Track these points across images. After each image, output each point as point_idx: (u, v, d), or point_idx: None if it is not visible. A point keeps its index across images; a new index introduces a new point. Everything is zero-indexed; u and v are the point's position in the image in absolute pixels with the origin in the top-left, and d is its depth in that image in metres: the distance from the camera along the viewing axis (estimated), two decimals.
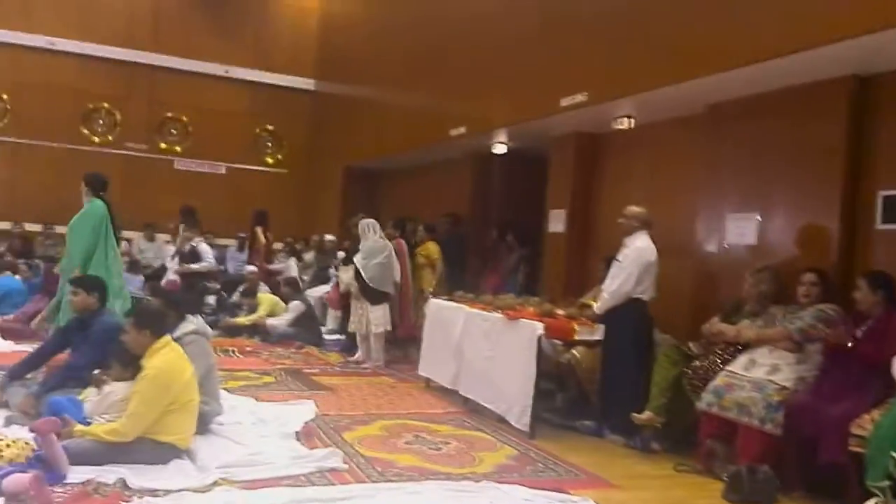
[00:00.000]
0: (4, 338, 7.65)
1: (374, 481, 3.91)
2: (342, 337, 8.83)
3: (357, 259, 7.79)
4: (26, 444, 3.70)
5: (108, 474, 3.63)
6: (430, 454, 4.54)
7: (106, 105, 12.90)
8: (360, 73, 12.01)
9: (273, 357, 7.82)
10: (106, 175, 7.01)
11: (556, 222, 7.62)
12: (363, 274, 7.68)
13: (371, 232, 7.85)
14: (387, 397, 6.21)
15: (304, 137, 14.12)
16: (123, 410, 3.99)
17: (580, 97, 6.29)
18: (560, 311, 5.55)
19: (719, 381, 4.53)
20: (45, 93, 12.29)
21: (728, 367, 4.59)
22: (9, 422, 4.42)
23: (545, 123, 7.17)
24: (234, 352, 8.03)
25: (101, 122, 12.91)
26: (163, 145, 13.35)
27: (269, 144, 14.19)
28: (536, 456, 4.65)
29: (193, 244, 9.24)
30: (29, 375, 5.10)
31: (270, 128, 14.11)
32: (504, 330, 5.48)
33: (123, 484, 3.56)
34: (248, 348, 8.37)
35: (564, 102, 6.48)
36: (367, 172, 12.18)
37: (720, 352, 4.79)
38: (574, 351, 5.56)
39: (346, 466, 4.09)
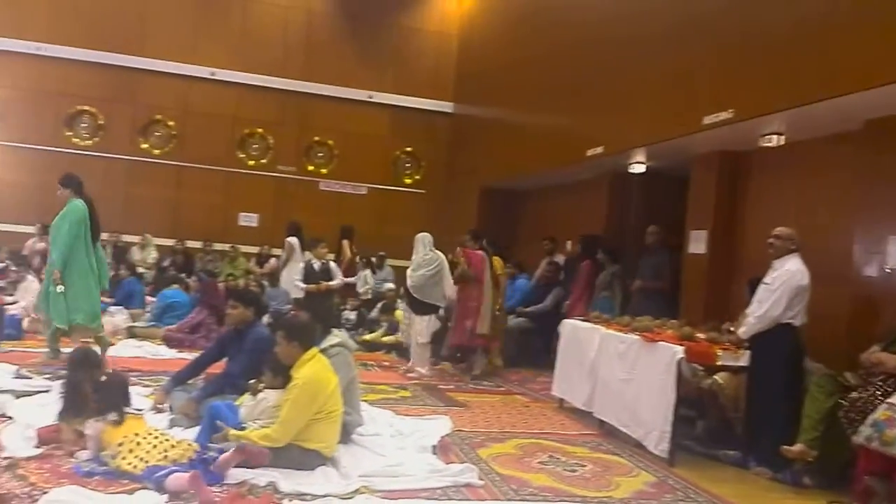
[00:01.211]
0: (168, 346, 8.28)
1: (508, 499, 3.94)
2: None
3: (408, 272, 8.10)
4: (189, 445, 4.00)
5: (261, 477, 3.86)
6: (566, 476, 4.51)
7: (260, 130, 13.77)
8: (497, 94, 12.19)
9: (409, 372, 8.01)
10: (83, 176, 7.24)
11: (697, 243, 7.39)
12: (409, 284, 7.98)
13: (422, 245, 8.13)
14: (520, 416, 6.22)
15: (441, 158, 14.46)
16: (274, 416, 4.24)
17: (725, 114, 6.10)
18: (701, 335, 5.38)
19: (880, 414, 4.22)
20: (207, 120, 13.28)
21: (889, 400, 4.28)
22: (172, 424, 4.77)
23: (686, 142, 7.00)
24: (372, 366, 8.30)
25: (255, 146, 13.78)
26: (310, 167, 14.07)
27: (408, 165, 14.63)
28: (676, 484, 4.51)
29: (324, 262, 9.50)
30: (190, 381, 5.53)
31: (409, 149, 14.56)
32: (641, 352, 5.38)
33: (274, 487, 3.77)
34: (386, 363, 8.62)
35: (708, 120, 6.30)
36: (503, 192, 12.29)
37: (880, 383, 4.47)
38: (716, 377, 5.37)
39: (481, 483, 4.14)
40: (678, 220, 7.75)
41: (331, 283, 9.11)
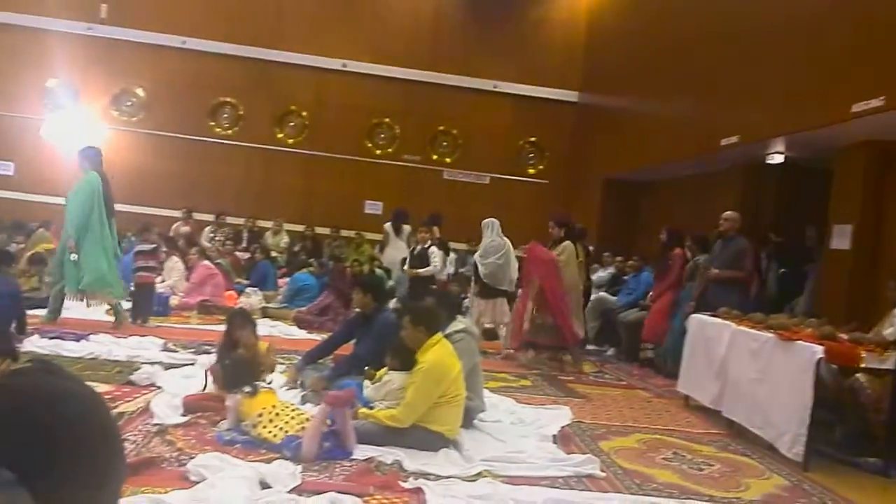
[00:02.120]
0: (299, 327, 8.67)
1: (632, 493, 3.89)
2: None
3: (476, 258, 8.15)
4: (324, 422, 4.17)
5: (387, 455, 4.00)
6: (692, 474, 4.39)
7: (387, 120, 14.11)
8: (625, 84, 11.93)
9: (530, 362, 8.01)
10: (100, 148, 7.53)
11: (841, 238, 6.98)
12: (480, 271, 8.04)
13: (489, 231, 8.15)
14: (643, 411, 6.10)
15: (564, 148, 14.33)
16: (399, 398, 4.38)
17: (876, 102, 5.72)
18: (843, 335, 5.09)
19: None
20: (338, 110, 13.73)
21: None
22: (304, 400, 5.00)
23: (831, 131, 6.61)
24: (493, 354, 8.35)
25: (382, 136, 14.14)
26: (435, 156, 14.28)
27: (531, 155, 14.58)
28: (811, 489, 4.31)
29: (425, 247, 9.57)
30: (320, 360, 5.78)
31: (533, 139, 14.50)
32: (776, 351, 5.14)
33: (400, 465, 3.90)
34: (507, 351, 8.64)
35: (856, 108, 5.93)
36: (627, 183, 12.04)
37: None
38: (858, 375, 5.06)
39: (603, 474, 4.11)
40: (817, 213, 7.35)
41: (419, 269, 9.19)
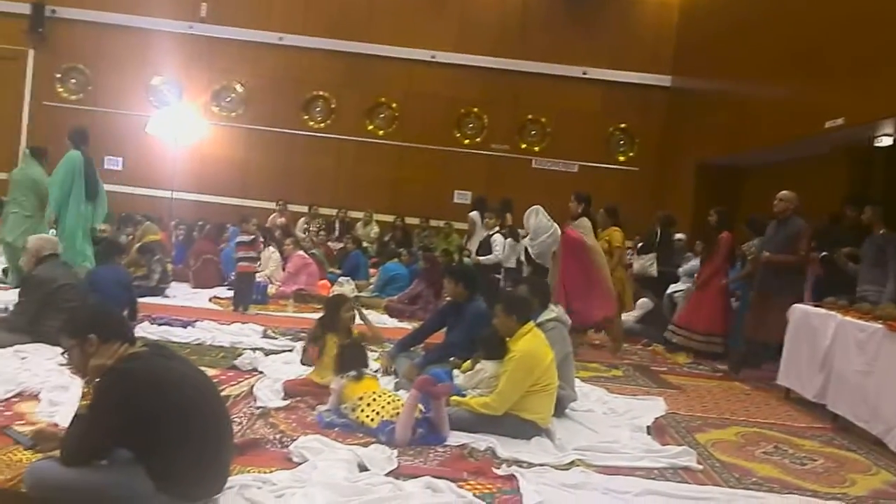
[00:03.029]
0: (390, 315, 8.83)
1: (730, 486, 3.81)
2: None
3: (526, 242, 8.17)
4: (416, 407, 4.26)
5: (480, 442, 4.05)
6: (793, 468, 4.26)
7: (475, 110, 14.13)
8: (719, 65, 11.54)
9: (620, 352, 7.91)
10: (86, 128, 7.65)
11: None
12: (531, 252, 8.08)
13: (535, 214, 8.22)
14: (741, 403, 5.93)
15: (656, 134, 14.00)
16: (491, 386, 4.42)
17: None
18: None
19: None
20: (426, 101, 13.85)
21: None
22: (397, 387, 5.11)
23: None
24: (582, 344, 8.28)
25: (470, 125, 14.17)
26: (523, 145, 14.22)
27: (622, 142, 14.32)
28: None
29: (490, 234, 9.50)
30: (412, 348, 5.89)
31: (623, 126, 14.23)
32: (885, 342, 4.90)
33: (493, 452, 3.94)
34: (596, 341, 8.56)
35: None
36: (721, 169, 11.66)
37: None
38: None
39: (700, 467, 4.04)
40: None
41: (480, 257, 9.26)
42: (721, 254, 7.91)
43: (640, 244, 10.88)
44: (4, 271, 8.34)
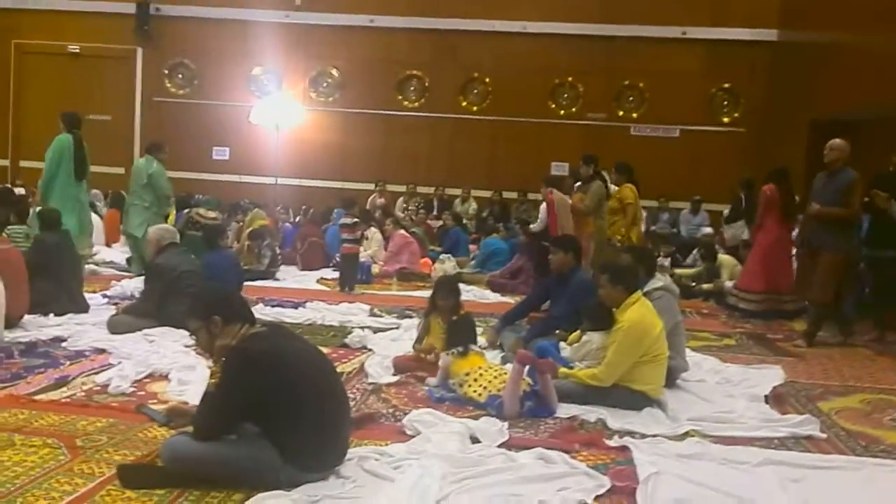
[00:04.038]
0: (492, 290, 8.86)
1: (857, 455, 3.65)
2: None
3: None
4: (523, 379, 4.29)
5: (590, 414, 4.04)
6: None
7: (570, 79, 13.87)
8: (833, 14, 10.85)
9: (732, 320, 7.67)
10: (79, 114, 8.02)
11: None
12: None
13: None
14: (865, 370, 5.66)
15: (762, 93, 13.34)
16: (598, 358, 4.38)
17: None
18: None
19: None
20: (519, 74, 13.69)
21: None
22: (503, 360, 5.14)
23: None
24: (691, 313, 8.08)
25: (565, 95, 13.94)
26: (620, 112, 13.88)
27: (725, 103, 13.75)
28: None
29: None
30: (517, 322, 5.90)
31: (726, 86, 13.65)
32: None
33: (604, 424, 3.92)
34: (705, 311, 8.34)
35: None
36: (838, 125, 10.98)
37: None
38: None
39: (824, 436, 3.89)
40: None
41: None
42: (761, 208, 7.59)
43: (726, 213, 10.64)
44: (129, 260, 8.87)
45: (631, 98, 13.85)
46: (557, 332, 5.29)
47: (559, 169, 13.56)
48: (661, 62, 13.45)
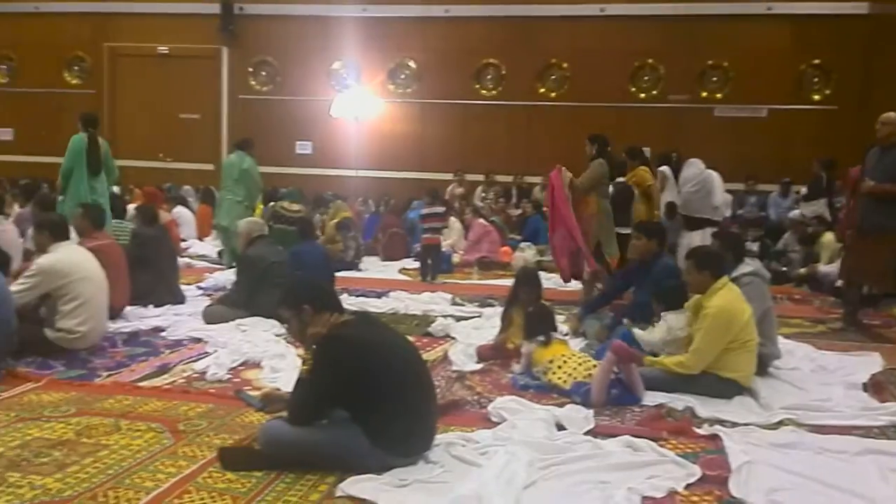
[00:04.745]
0: (574, 278, 8.74)
1: None
2: None
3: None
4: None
5: (677, 402, 3.97)
6: None
7: (650, 61, 13.55)
8: None
9: (826, 306, 7.39)
10: (95, 114, 8.45)
11: None
12: (677, 202, 8.08)
13: (687, 166, 8.03)
14: None
15: (856, 68, 12.71)
16: (682, 345, 4.32)
17: None
18: None
19: None
20: (598, 57, 13.46)
21: None
22: (588, 348, 5.11)
23: None
24: (782, 299, 7.82)
25: (645, 78, 13.63)
26: (703, 94, 13.49)
27: (816, 80, 13.17)
28: None
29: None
30: (600, 309, 5.85)
31: (816, 62, 13.07)
32: None
33: (692, 412, 3.86)
34: (797, 296, 8.06)
35: None
36: None
37: None
38: None
39: None
40: None
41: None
42: (848, 191, 7.33)
43: (804, 193, 10.29)
44: (220, 253, 9.21)
45: (715, 78, 13.42)
46: (625, 321, 5.23)
47: None
48: (746, 40, 13.00)
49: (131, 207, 9.05)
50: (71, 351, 4.69)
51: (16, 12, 14.89)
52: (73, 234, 5.37)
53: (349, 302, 6.64)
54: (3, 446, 3.22)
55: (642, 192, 7.77)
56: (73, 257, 4.84)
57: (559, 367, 4.22)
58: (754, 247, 10.12)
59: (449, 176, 13.50)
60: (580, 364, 4.22)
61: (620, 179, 8.56)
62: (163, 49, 14.72)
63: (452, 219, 10.42)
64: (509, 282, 7.14)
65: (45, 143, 13.38)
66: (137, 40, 14.73)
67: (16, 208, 8.76)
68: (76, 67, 15.09)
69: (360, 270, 9.01)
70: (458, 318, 6.14)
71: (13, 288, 4.53)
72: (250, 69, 14.68)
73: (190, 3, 14.49)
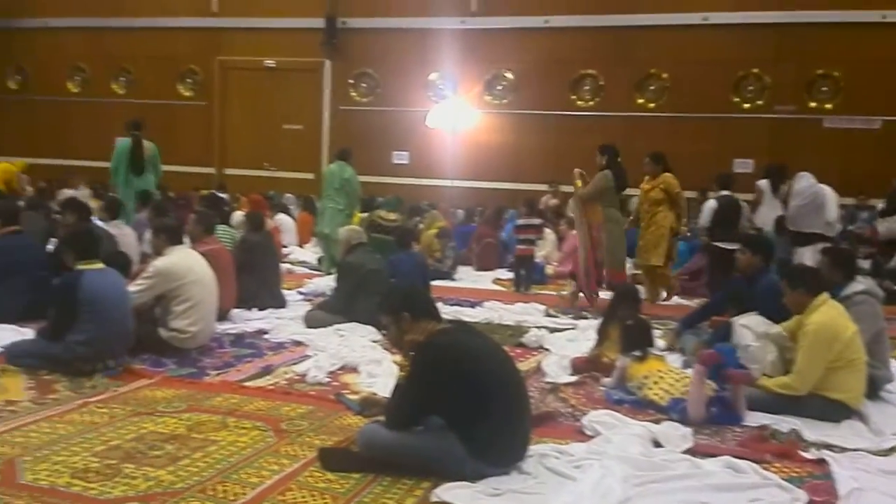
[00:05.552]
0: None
1: None
2: None
3: None
4: (706, 384, 4.14)
5: (782, 423, 3.84)
6: None
7: (755, 70, 13.10)
8: None
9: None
10: (138, 118, 9.08)
11: None
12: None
13: (798, 179, 7.72)
14: None
15: None
16: (758, 364, 4.22)
17: None
18: None
19: None
20: (699, 67, 13.10)
21: None
22: (685, 365, 4.98)
23: None
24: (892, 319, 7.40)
25: (750, 88, 13.19)
26: (812, 104, 12.94)
27: None
28: None
29: None
30: (699, 325, 5.70)
31: None
32: None
33: (797, 435, 3.72)
34: None
35: None
36: None
37: None
38: None
39: None
40: None
41: None
42: None
43: (882, 207, 9.74)
44: (320, 260, 9.49)
45: (824, 88, 12.83)
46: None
47: (743, 166, 12.91)
48: (858, 49, 12.38)
49: (238, 214, 9.46)
50: (182, 350, 4.95)
51: (135, 27, 15.78)
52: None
53: (443, 311, 6.63)
54: (120, 439, 3.43)
55: (669, 198, 7.72)
56: (186, 261, 5.11)
57: (655, 383, 4.15)
58: (866, 264, 9.64)
59: (543, 187, 13.44)
60: (677, 380, 4.15)
61: (725, 192, 8.38)
62: (269, 62, 15.29)
63: (546, 230, 10.37)
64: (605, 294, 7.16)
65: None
66: (246, 54, 15.35)
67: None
68: (189, 80, 15.86)
69: (453, 280, 9.10)
70: (552, 330, 6.12)
71: (131, 288, 4.83)
72: (351, 81, 15.06)
73: (296, 18, 14.99)
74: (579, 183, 7.60)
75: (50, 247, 6.82)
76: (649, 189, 7.91)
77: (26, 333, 5.00)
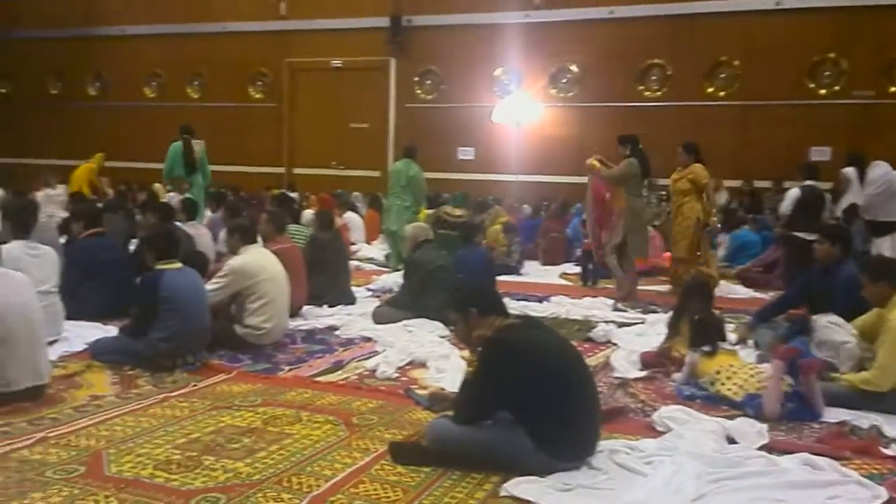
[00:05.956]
0: (744, 285, 8.40)
1: None
2: None
3: None
4: (782, 379, 4.05)
5: (862, 419, 3.73)
6: None
7: (832, 55, 12.64)
8: None
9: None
10: (189, 125, 9.51)
11: None
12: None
13: (873, 168, 7.71)
14: None
15: None
16: (853, 360, 4.11)
17: None
18: None
19: None
20: (772, 53, 12.73)
21: None
22: (759, 359, 4.85)
23: None
24: None
25: (826, 73, 12.74)
26: (892, 89, 12.41)
27: None
28: None
29: None
30: (774, 319, 5.55)
31: None
32: None
33: (879, 431, 3.60)
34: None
35: None
36: None
37: None
38: None
39: None
40: None
41: None
42: None
43: None
44: (387, 257, 9.61)
45: None
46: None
47: (820, 154, 12.47)
48: None
49: (308, 213, 9.65)
50: (257, 346, 5.10)
51: (207, 32, 16.26)
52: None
53: (510, 306, 6.58)
54: (199, 432, 3.56)
55: (697, 189, 7.60)
56: (260, 259, 5.26)
57: (728, 378, 4.07)
58: None
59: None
60: (752, 375, 4.06)
61: (809, 182, 8.11)
62: (336, 62, 15.53)
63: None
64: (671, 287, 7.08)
65: (231, 153, 14.53)
66: (314, 55, 15.63)
67: (207, 213, 9.59)
68: (259, 82, 16.26)
69: (520, 274, 9.08)
70: (620, 324, 6.07)
71: (207, 287, 4.99)
72: (416, 78, 15.17)
73: (361, 17, 15.19)
74: (597, 164, 7.57)
75: (131, 247, 7.12)
76: (677, 179, 7.83)
77: (110, 331, 5.23)
